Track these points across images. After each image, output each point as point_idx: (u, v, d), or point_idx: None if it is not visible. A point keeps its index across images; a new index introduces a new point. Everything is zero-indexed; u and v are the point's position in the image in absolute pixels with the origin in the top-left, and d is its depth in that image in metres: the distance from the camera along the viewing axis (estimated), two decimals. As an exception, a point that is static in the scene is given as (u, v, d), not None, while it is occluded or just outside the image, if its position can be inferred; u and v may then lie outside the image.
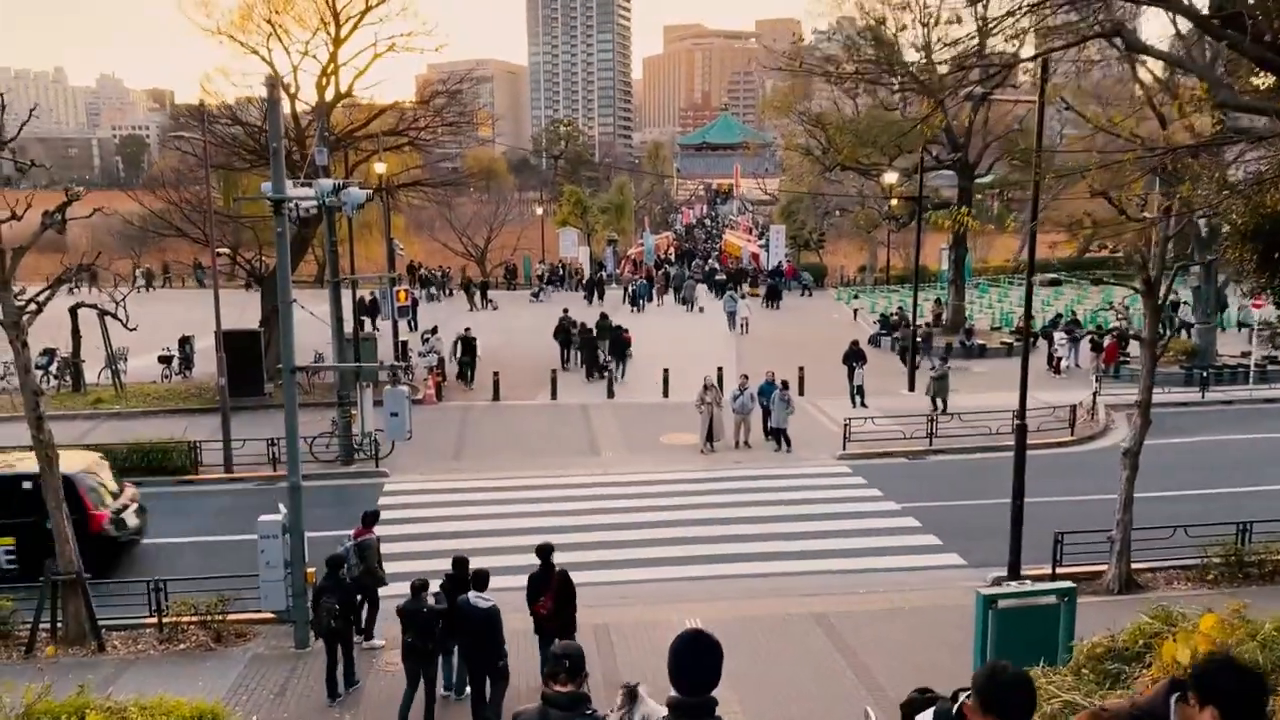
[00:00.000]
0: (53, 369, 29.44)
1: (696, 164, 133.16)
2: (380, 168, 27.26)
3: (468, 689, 11.66)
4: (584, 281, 53.08)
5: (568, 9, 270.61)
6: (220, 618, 13.90)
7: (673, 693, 4.26)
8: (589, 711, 4.96)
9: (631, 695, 4.80)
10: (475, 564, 11.74)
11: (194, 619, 13.90)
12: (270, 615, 14.10)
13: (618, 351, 30.87)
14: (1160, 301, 15.11)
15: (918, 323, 31.95)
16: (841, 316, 45.09)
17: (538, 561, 12.12)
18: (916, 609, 14.64)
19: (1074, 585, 9.67)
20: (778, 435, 23.18)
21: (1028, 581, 12.67)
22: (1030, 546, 15.49)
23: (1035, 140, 15.57)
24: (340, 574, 12.28)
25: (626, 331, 31.78)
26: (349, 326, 24.58)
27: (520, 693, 12.09)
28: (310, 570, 13.79)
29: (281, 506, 13.71)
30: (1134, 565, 15.44)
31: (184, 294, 54.10)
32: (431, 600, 11.48)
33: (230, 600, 13.94)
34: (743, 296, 42.26)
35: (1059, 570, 15.49)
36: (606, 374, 30.21)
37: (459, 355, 29.71)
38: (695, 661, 4.37)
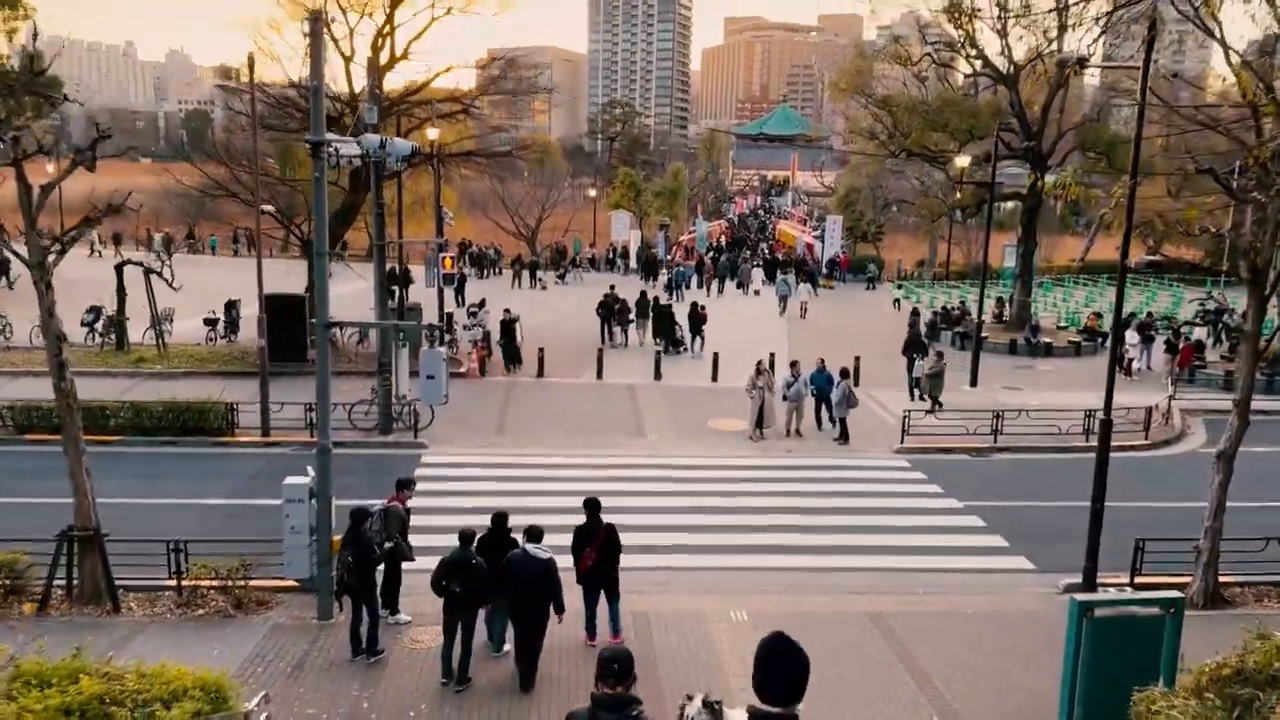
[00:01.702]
0: (98, 326, 29.29)
1: (752, 155, 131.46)
2: (433, 134, 26.53)
3: (507, 646, 11.59)
4: (642, 262, 52.58)
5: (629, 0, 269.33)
6: (242, 583, 13.22)
7: (755, 702, 4.02)
8: (635, 713, 5.06)
9: (716, 715, 4.43)
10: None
11: (214, 583, 13.24)
12: (294, 583, 13.40)
13: (696, 327, 31.91)
14: (1268, 292, 13.75)
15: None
16: (900, 309, 43.79)
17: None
18: (981, 613, 13.53)
19: (1181, 596, 8.53)
20: (842, 424, 22.09)
21: (1127, 589, 11.53)
22: (1104, 553, 14.29)
23: (1137, 116, 14.21)
24: (362, 529, 11.69)
25: (704, 308, 32.87)
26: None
27: (564, 648, 11.41)
28: (337, 538, 13.06)
29: (309, 469, 12.98)
30: (1221, 578, 14.16)
31: (232, 261, 54.24)
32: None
33: (253, 565, 13.25)
34: (806, 281, 41.67)
35: (1137, 580, 14.29)
36: (682, 348, 31.60)
37: (500, 340, 28.82)
38: (786, 672, 4.10)
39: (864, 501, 18.17)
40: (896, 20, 47.11)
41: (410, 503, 13.23)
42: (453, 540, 12.46)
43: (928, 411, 23.24)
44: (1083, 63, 17.01)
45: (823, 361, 23.02)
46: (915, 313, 34.80)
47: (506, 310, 29.93)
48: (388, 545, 12.17)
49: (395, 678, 11.44)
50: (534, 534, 11.12)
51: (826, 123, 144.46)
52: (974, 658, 12.17)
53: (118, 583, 13.23)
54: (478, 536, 11.86)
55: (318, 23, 11.43)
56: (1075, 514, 17.47)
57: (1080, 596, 8.09)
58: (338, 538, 13.04)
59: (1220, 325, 32.27)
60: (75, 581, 13.04)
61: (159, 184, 61.84)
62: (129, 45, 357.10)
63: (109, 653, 10.15)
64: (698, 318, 32.09)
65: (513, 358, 28.29)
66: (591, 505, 12.09)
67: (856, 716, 10.66)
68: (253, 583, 13.37)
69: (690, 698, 4.77)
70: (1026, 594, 14.34)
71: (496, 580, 11.14)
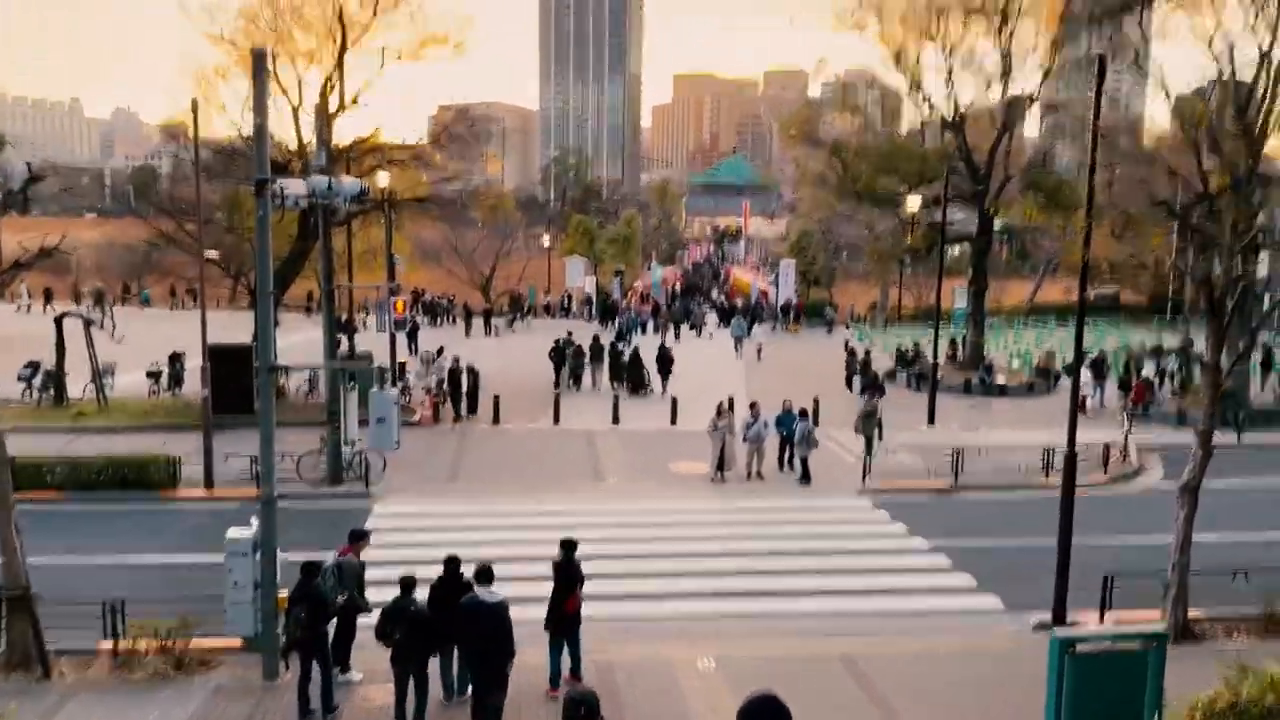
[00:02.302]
0: (36, 381, 28.23)
1: (705, 202, 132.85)
2: (384, 179, 26.18)
3: (469, 689, 10.99)
4: (601, 307, 52.96)
5: (580, 56, 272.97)
6: (182, 643, 12.50)
7: None
8: None
9: None
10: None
11: (153, 644, 12.49)
12: (237, 642, 12.69)
13: (664, 369, 32.37)
14: (1225, 322, 13.81)
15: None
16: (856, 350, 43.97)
17: (538, 586, 11.48)
18: (955, 654, 13.22)
19: (1164, 630, 8.30)
20: (803, 465, 21.83)
21: (1093, 626, 11.32)
22: (1072, 590, 14.10)
23: (1090, 150, 14.32)
24: (315, 582, 11.13)
25: (671, 350, 33.79)
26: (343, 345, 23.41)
27: (523, 702, 10.78)
28: (283, 595, 12.43)
29: (253, 521, 12.38)
30: (1189, 613, 14.01)
31: (174, 314, 53.08)
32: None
33: (195, 624, 12.54)
34: (758, 323, 42.24)
35: (1107, 616, 14.10)
36: (648, 390, 32.10)
37: (448, 387, 28.09)
38: None
39: (830, 543, 17.85)
40: (841, 75, 48.09)
41: (364, 555, 12.66)
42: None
43: (866, 453, 22.52)
44: (1031, 100, 17.22)
45: (788, 404, 22.82)
46: (851, 351, 35.26)
47: (455, 359, 29.37)
48: (342, 599, 11.58)
49: (347, 739, 10.81)
50: (483, 575, 10.54)
51: (777, 169, 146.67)
52: (949, 699, 11.83)
53: (50, 647, 12.45)
54: (433, 582, 11.43)
55: (261, 59, 11.10)
56: (1041, 552, 17.26)
57: (1061, 633, 7.80)
58: (284, 593, 12.43)
59: (1181, 362, 32.71)
60: (3, 647, 12.22)
61: (103, 237, 60.71)
62: (75, 102, 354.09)
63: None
64: (666, 359, 32.51)
65: (460, 405, 27.67)
66: (569, 546, 11.66)
67: (832, 765, 10.24)
68: (194, 642, 12.64)
69: None
70: (999, 633, 14.08)
71: (442, 626, 10.71)
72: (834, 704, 11.61)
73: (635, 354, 33.36)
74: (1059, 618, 13.93)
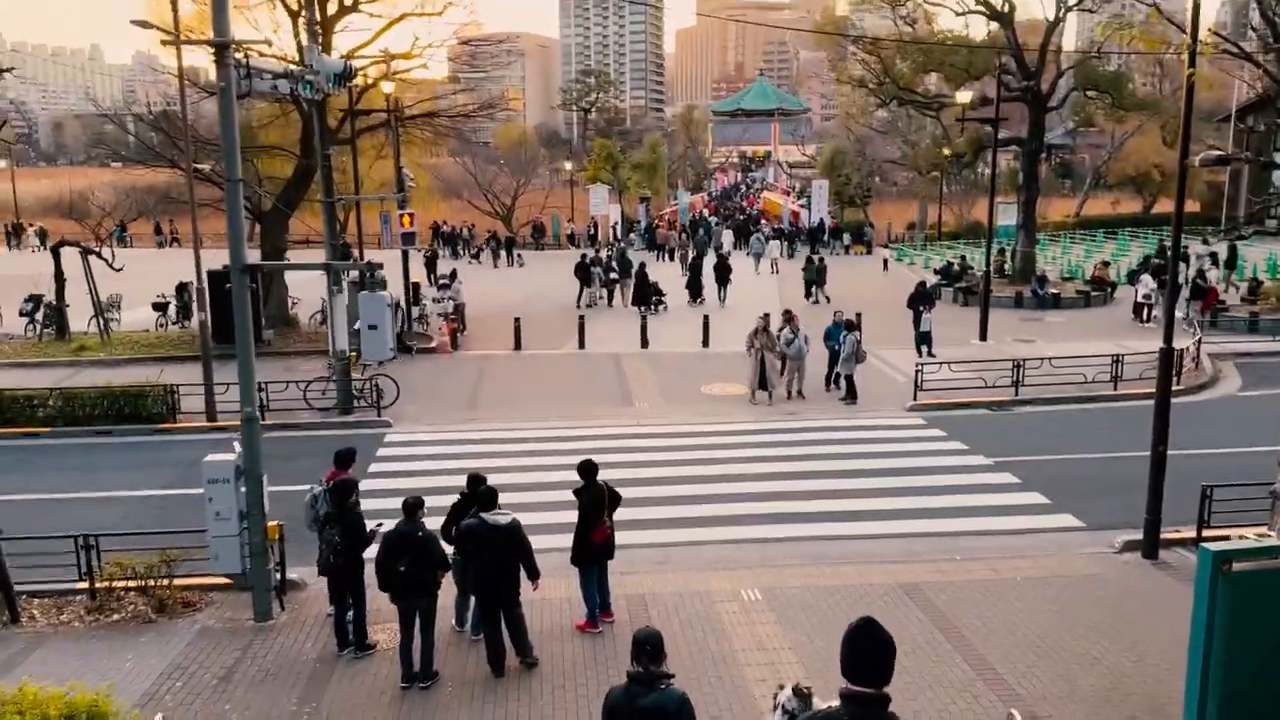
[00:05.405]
0: (38, 316, 27.09)
1: (731, 130, 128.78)
2: (388, 87, 24.36)
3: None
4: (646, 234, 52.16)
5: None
6: (164, 583, 11.21)
7: (845, 684, 4.09)
8: (666, 687, 5.64)
9: (805, 699, 5.48)
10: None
11: (132, 583, 11.21)
12: (226, 580, 11.38)
13: (723, 279, 32.06)
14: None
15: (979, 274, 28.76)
16: (888, 269, 42.06)
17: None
18: (1031, 579, 11.64)
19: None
20: (849, 382, 20.14)
21: (1249, 536, 9.69)
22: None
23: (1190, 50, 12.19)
24: (349, 502, 9.80)
25: (729, 258, 34.22)
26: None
27: (550, 634, 9.41)
28: (273, 524, 11.08)
29: (236, 445, 10.96)
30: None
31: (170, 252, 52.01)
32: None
33: (178, 561, 11.23)
34: (773, 237, 43.19)
35: (1205, 533, 12.41)
36: (700, 300, 31.84)
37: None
38: (876, 650, 4.19)
39: (881, 462, 16.25)
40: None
41: (369, 484, 11.28)
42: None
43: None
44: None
45: (839, 315, 21.09)
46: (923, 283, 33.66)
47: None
48: (377, 525, 10.07)
49: (344, 685, 9.48)
50: (487, 500, 9.35)
51: (804, 95, 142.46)
52: (1031, 631, 10.28)
53: (21, 588, 11.22)
54: (453, 504, 10.28)
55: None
56: (1117, 465, 15.70)
57: (1214, 546, 6.17)
58: (274, 523, 11.09)
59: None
60: (-37, 589, 10.99)
61: (122, 180, 59.51)
62: (95, 49, 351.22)
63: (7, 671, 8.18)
64: (724, 269, 32.31)
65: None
66: (589, 469, 10.29)
67: (904, 709, 8.72)
68: (180, 581, 11.36)
69: (782, 687, 5.72)
70: (1080, 555, 12.44)
71: (462, 554, 9.61)
72: (897, 637, 10.03)
73: (698, 266, 33.27)
74: (1152, 535, 12.30)
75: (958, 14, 30.33)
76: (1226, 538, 11.80)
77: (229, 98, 9.77)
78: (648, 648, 5.71)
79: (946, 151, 37.08)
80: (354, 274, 11.82)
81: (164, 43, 16.96)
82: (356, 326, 11.28)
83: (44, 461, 17.22)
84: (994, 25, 31.55)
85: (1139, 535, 12.46)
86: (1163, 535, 12.47)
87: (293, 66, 12.29)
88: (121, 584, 11.19)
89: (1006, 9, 30.81)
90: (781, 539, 13.19)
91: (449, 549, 9.96)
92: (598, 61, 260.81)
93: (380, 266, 10.80)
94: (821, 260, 34.10)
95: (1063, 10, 30.07)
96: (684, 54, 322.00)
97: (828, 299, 31.42)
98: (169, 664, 9.93)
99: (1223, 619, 6.09)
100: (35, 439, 18.31)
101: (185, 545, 11.37)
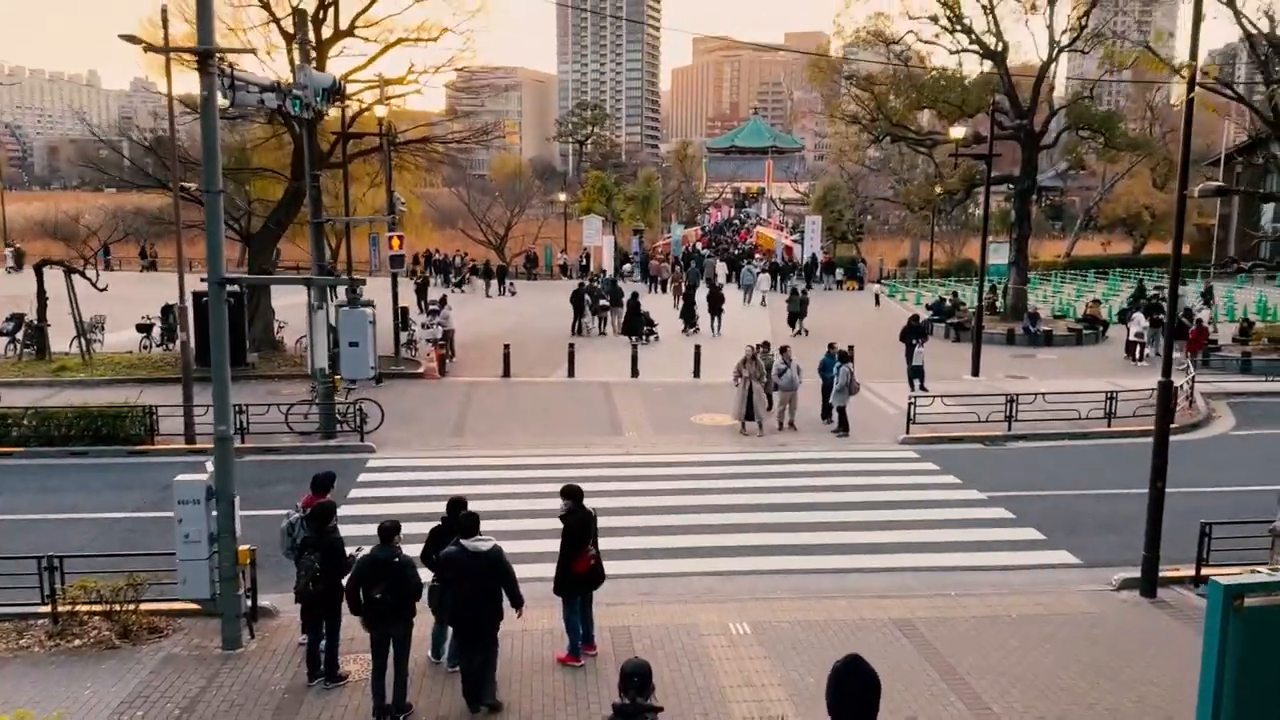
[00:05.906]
0: (19, 335, 26.69)
1: (724, 167, 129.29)
2: (381, 110, 24.23)
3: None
4: (641, 265, 52.53)
5: (597, 22, 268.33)
6: (130, 607, 10.78)
7: None
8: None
9: None
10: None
11: (96, 608, 10.79)
12: (195, 605, 10.97)
13: (716, 309, 32.38)
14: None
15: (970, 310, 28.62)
16: (880, 305, 41.93)
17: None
18: (1028, 617, 11.30)
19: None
20: (841, 414, 19.86)
21: (1262, 571, 9.38)
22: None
23: (1187, 94, 12.12)
24: (328, 527, 9.47)
25: (722, 288, 34.86)
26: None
27: (529, 666, 8.99)
28: (245, 548, 10.69)
29: (208, 465, 10.60)
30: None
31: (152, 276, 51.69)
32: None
33: (145, 585, 10.82)
34: (764, 271, 43.98)
35: (1204, 571, 12.12)
36: (693, 329, 32.43)
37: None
38: (862, 689, 4.09)
39: (874, 495, 15.94)
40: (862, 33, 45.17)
41: (348, 510, 10.91)
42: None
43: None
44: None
45: (833, 347, 20.86)
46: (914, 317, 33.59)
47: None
48: (356, 550, 9.70)
49: (313, 717, 9.06)
50: (468, 525, 8.94)
51: (798, 133, 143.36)
52: (1028, 669, 9.94)
53: (-20, 611, 10.80)
54: (432, 529, 9.92)
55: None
56: (1113, 501, 15.46)
57: (1225, 580, 5.83)
58: (245, 548, 10.70)
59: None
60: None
61: (115, 205, 59.38)
62: (92, 74, 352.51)
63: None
64: (717, 298, 32.56)
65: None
66: (575, 493, 9.90)
67: (898, 750, 8.38)
68: (146, 606, 10.94)
69: None
70: (1077, 593, 12.13)
71: (441, 582, 9.27)
72: (891, 674, 9.71)
73: (691, 296, 34.04)
74: (1150, 573, 12.00)
75: (951, 52, 30.49)
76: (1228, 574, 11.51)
77: (210, 106, 9.53)
78: (635, 679, 5.65)
79: (939, 189, 37.14)
80: (341, 293, 11.56)
81: (146, 49, 16.70)
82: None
83: (14, 482, 16.76)
84: (988, 64, 31.72)
85: (1137, 573, 12.16)
86: (1161, 573, 12.18)
87: (281, 81, 12.12)
88: (85, 608, 10.76)
89: (1000, 48, 31.00)
90: (772, 571, 12.85)
91: (428, 575, 9.62)
92: (594, 97, 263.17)
93: (363, 283, 10.51)
94: (804, 293, 34.94)
95: (1055, 50, 30.23)
96: (679, 92, 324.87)
97: (805, 331, 32.27)
98: (130, 692, 9.50)
99: (1234, 656, 5.75)
100: (7, 459, 17.87)
101: (154, 569, 10.99)
